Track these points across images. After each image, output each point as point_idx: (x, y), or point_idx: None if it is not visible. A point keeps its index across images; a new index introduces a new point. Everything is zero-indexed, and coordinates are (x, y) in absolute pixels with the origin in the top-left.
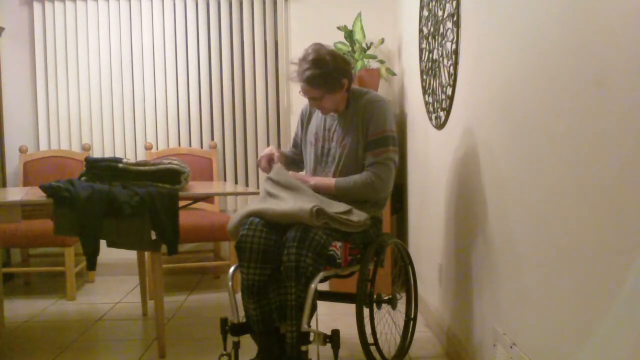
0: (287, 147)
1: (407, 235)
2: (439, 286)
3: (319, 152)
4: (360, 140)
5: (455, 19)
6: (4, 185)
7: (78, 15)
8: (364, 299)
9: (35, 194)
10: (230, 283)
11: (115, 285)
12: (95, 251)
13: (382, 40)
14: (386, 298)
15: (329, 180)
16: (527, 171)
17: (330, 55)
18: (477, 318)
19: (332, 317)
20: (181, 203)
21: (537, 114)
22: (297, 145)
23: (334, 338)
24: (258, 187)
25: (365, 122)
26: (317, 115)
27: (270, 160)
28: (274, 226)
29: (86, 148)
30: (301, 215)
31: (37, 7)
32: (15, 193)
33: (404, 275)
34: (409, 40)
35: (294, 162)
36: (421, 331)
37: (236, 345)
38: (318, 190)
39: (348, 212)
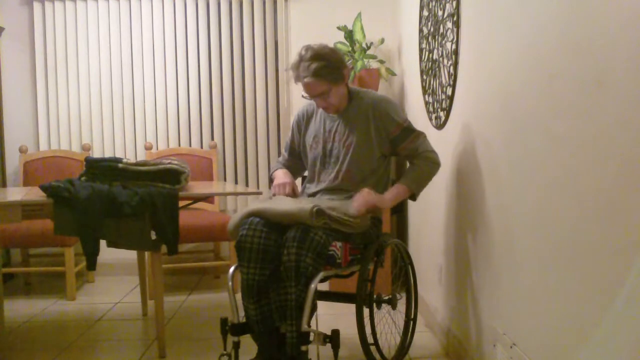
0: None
1: (407, 235)
2: (439, 286)
3: (320, 154)
4: (374, 138)
5: (455, 19)
6: (4, 185)
7: (78, 15)
8: (364, 299)
9: (35, 194)
10: (230, 283)
11: (115, 285)
12: (95, 251)
13: (382, 40)
14: (386, 298)
15: (397, 187)
16: (527, 171)
17: (327, 48)
18: (477, 318)
19: (332, 317)
20: (181, 203)
21: (537, 114)
22: (294, 152)
23: (334, 338)
24: (258, 187)
25: (380, 120)
26: (315, 120)
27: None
28: (273, 226)
29: (86, 148)
30: (301, 215)
31: (37, 7)
32: (15, 193)
33: (404, 275)
34: (409, 40)
35: (289, 170)
36: (421, 331)
37: (236, 345)
38: (397, 201)
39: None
